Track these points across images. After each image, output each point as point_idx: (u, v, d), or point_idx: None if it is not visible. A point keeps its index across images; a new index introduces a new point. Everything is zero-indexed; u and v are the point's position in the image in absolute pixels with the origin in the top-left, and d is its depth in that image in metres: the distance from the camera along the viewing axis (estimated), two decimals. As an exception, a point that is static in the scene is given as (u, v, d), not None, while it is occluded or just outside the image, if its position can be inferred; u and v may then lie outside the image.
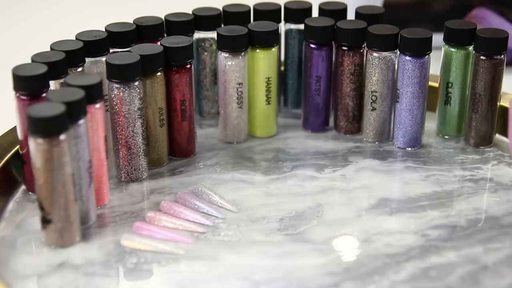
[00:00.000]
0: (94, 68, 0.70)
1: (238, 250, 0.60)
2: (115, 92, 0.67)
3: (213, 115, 0.82)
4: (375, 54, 0.74)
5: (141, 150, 0.69)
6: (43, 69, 0.62)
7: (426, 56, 0.72)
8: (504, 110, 0.76)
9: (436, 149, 0.76)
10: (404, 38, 0.72)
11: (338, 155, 0.75)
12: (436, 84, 0.78)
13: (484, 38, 0.72)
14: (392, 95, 0.75)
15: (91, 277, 0.57)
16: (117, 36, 0.72)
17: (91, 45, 0.69)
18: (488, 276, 0.57)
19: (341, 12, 0.79)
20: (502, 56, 0.73)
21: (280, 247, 0.61)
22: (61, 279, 0.57)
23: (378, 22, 0.76)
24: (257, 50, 0.75)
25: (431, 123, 0.78)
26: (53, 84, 0.65)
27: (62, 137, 0.57)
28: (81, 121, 0.59)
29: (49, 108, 0.56)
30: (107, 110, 0.68)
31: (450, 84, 0.75)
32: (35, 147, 0.57)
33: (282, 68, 0.83)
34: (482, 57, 0.73)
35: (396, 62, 0.74)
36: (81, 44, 0.68)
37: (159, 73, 0.69)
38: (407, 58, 0.72)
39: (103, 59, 0.70)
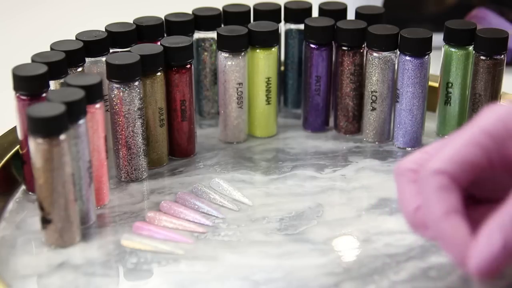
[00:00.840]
0: (94, 68, 0.70)
1: (238, 250, 0.60)
2: (115, 92, 0.66)
3: (213, 115, 0.82)
4: (375, 54, 0.74)
5: (141, 150, 0.69)
6: (43, 69, 0.62)
7: (426, 56, 0.72)
8: (504, 110, 0.76)
9: (436, 149, 0.75)
10: (404, 38, 0.72)
11: (338, 155, 0.75)
12: (436, 84, 0.78)
13: (484, 38, 0.72)
14: (392, 95, 0.75)
15: (91, 277, 0.57)
16: (117, 36, 0.72)
17: (91, 45, 0.69)
18: (488, 276, 0.57)
19: (341, 12, 0.79)
20: (502, 56, 0.72)
21: (280, 247, 0.61)
22: (61, 279, 0.57)
23: (378, 22, 0.76)
24: (257, 50, 0.75)
25: (431, 123, 0.78)
26: (53, 84, 0.65)
27: (62, 137, 0.57)
28: (81, 121, 0.59)
29: (49, 108, 0.56)
30: (107, 110, 0.68)
31: (450, 84, 0.75)
32: (35, 147, 0.57)
33: (282, 68, 0.83)
34: (482, 57, 0.72)
35: (396, 62, 0.74)
36: (81, 44, 0.68)
37: (159, 73, 0.69)
38: (407, 58, 0.72)
39: (103, 59, 0.70)
